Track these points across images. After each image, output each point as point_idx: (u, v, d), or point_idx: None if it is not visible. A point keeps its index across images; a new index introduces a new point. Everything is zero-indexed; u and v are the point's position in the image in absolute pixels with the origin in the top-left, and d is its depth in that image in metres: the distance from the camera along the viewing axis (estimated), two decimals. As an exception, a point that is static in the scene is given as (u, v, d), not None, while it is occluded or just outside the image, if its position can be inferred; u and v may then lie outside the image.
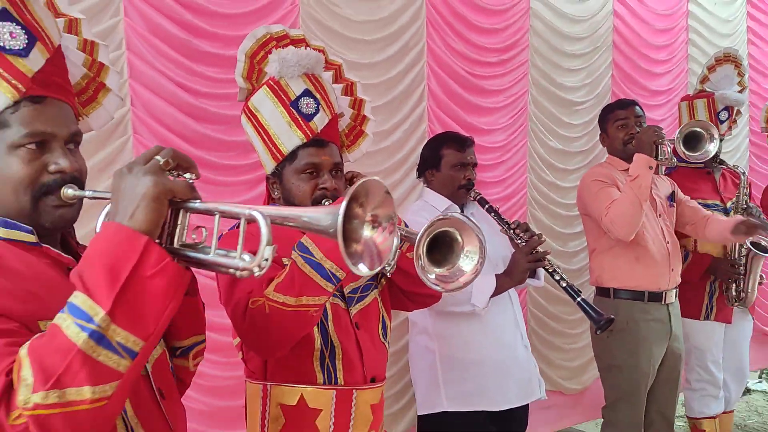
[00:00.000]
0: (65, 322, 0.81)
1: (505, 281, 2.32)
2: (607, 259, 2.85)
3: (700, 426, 3.36)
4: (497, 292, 2.31)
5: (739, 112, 3.48)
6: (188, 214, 0.94)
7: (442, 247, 1.09)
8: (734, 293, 3.14)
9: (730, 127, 3.43)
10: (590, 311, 2.28)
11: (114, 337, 0.81)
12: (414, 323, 2.43)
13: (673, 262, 2.84)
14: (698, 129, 2.69)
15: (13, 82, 1.00)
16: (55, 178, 1.00)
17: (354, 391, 1.53)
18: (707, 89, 3.24)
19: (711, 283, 3.20)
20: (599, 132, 3.23)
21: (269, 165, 1.62)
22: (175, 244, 0.93)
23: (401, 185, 2.95)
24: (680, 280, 2.92)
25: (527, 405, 2.50)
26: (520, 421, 2.50)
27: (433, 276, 1.09)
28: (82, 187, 1.03)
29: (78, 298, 0.82)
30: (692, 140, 2.70)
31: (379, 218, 0.93)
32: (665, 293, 2.81)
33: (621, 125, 2.86)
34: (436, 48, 3.04)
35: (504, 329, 2.42)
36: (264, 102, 1.60)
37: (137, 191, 0.88)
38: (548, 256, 2.34)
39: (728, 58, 3.27)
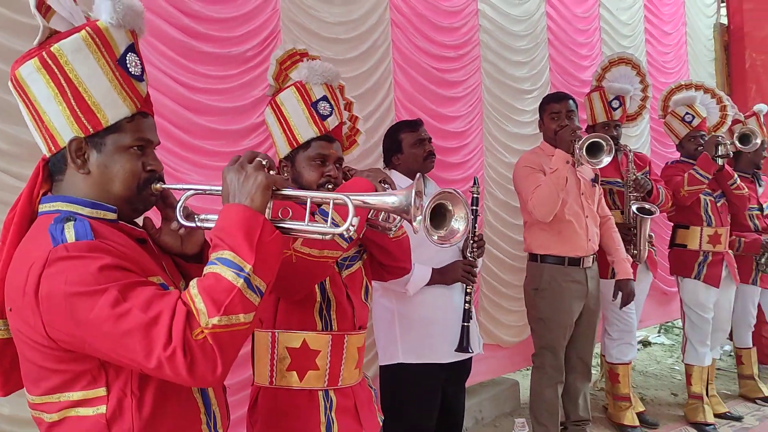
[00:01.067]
0: (223, 271, 1.12)
1: (437, 278, 2.63)
2: (536, 231, 3.28)
3: (615, 370, 3.88)
4: (429, 283, 2.62)
5: (645, 102, 4.05)
6: (273, 199, 1.26)
7: (438, 215, 1.41)
8: (632, 250, 3.66)
9: (631, 114, 3.98)
10: (462, 337, 2.60)
11: (254, 282, 1.14)
12: (377, 288, 2.64)
13: (590, 234, 3.29)
14: (599, 140, 3.04)
15: (134, 100, 1.27)
16: (150, 175, 1.29)
17: (345, 336, 1.86)
18: (603, 85, 3.75)
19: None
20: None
21: (284, 150, 1.97)
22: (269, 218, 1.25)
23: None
24: (596, 248, 3.34)
25: (470, 359, 2.79)
26: (466, 370, 2.83)
27: (435, 237, 1.39)
28: (164, 182, 1.33)
29: (227, 254, 1.13)
30: (594, 148, 3.04)
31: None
32: (583, 259, 3.27)
33: (554, 117, 3.26)
34: (401, 45, 3.34)
35: (453, 294, 2.70)
36: (290, 99, 1.94)
37: (254, 183, 1.20)
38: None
39: (623, 60, 3.79)
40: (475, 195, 2.69)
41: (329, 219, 1.27)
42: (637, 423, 3.87)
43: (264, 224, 1.18)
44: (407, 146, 2.75)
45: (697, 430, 3.94)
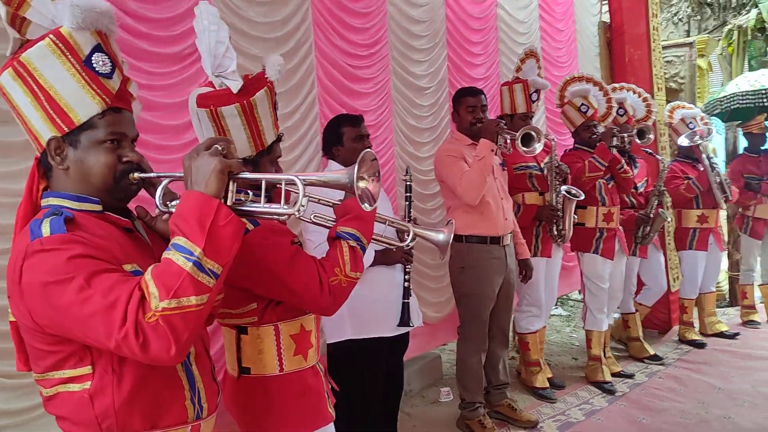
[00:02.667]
0: (175, 256, 1.19)
1: (380, 258, 2.86)
2: (459, 214, 3.53)
3: (524, 339, 4.28)
4: (372, 264, 2.84)
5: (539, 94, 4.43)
6: (235, 182, 1.33)
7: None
8: (555, 232, 4.08)
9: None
10: (404, 312, 2.88)
11: (206, 265, 1.20)
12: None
13: (506, 213, 3.63)
14: (531, 131, 3.45)
15: (103, 97, 1.35)
16: (126, 166, 1.38)
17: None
18: (520, 77, 4.08)
19: (536, 227, 4.08)
20: (445, 111, 3.97)
21: (245, 152, 1.82)
22: (229, 203, 1.31)
23: (301, 159, 3.41)
24: (512, 227, 3.72)
25: (408, 332, 3.07)
26: (406, 343, 3.11)
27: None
28: (143, 172, 1.41)
29: (180, 240, 1.20)
30: (527, 138, 3.44)
31: (369, 174, 1.46)
32: (502, 237, 3.59)
33: (470, 109, 3.55)
34: (322, 44, 3.49)
35: (394, 273, 2.95)
36: (262, 101, 1.81)
37: (208, 168, 1.26)
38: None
39: (531, 54, 4.15)
40: (408, 183, 2.93)
41: (282, 200, 1.37)
42: (547, 385, 4.27)
43: (218, 208, 1.24)
44: (348, 140, 2.88)
45: (597, 387, 4.40)
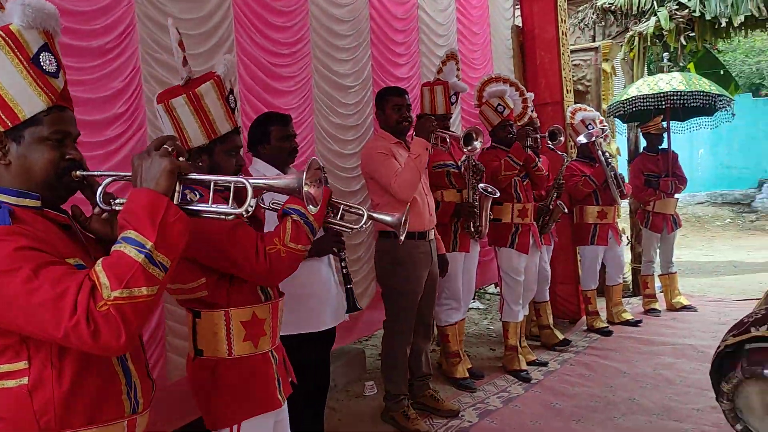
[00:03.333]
0: (126, 249, 1.24)
1: (312, 251, 2.74)
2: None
3: (445, 331, 4.41)
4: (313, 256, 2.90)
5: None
6: (181, 183, 1.39)
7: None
8: (472, 228, 4.24)
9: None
10: (349, 298, 2.98)
11: (157, 258, 1.25)
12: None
13: (430, 209, 3.76)
14: (471, 131, 3.60)
15: (49, 94, 1.38)
16: (69, 164, 1.41)
17: (279, 302, 2.14)
18: (441, 78, 4.21)
19: (455, 224, 4.22)
20: (369, 109, 4.03)
21: (199, 141, 1.99)
22: (175, 202, 1.36)
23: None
24: (435, 222, 3.86)
25: (334, 328, 3.13)
26: (333, 337, 3.17)
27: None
28: (85, 170, 1.44)
29: (131, 234, 1.26)
30: (467, 137, 3.59)
31: (313, 181, 1.58)
32: (427, 232, 3.72)
33: (396, 108, 3.64)
34: (243, 42, 3.46)
35: (321, 270, 3.01)
36: (209, 92, 1.97)
37: (159, 168, 1.33)
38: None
39: (452, 57, 4.28)
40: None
41: (230, 200, 1.46)
42: (467, 375, 4.43)
43: (168, 205, 1.31)
44: (275, 139, 2.89)
45: (514, 376, 4.60)
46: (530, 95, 4.95)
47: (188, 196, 1.53)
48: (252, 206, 1.46)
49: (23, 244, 1.24)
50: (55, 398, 1.29)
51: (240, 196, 1.48)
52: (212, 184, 1.47)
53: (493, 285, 6.62)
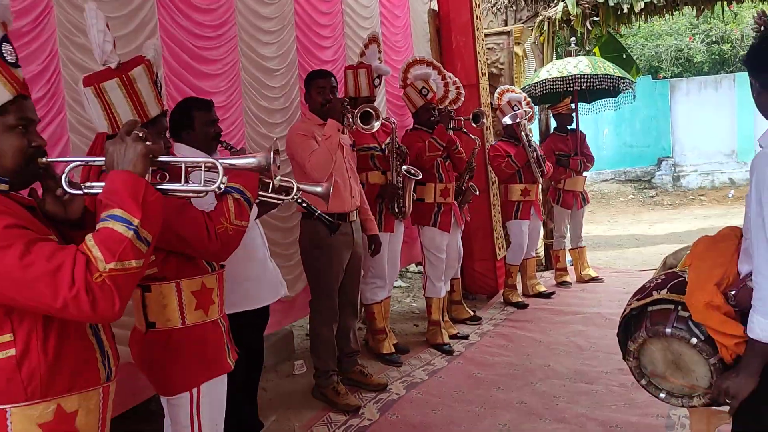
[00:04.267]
0: (115, 225, 1.35)
1: (262, 209, 2.96)
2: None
3: (371, 309, 4.53)
4: (258, 216, 2.99)
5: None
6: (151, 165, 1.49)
7: None
8: (396, 209, 4.36)
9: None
10: (325, 220, 3.07)
11: (142, 234, 1.38)
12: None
13: (353, 191, 3.84)
14: (369, 110, 3.67)
15: (14, 84, 1.43)
16: (35, 151, 1.48)
17: (222, 272, 2.28)
18: (364, 62, 4.30)
19: (379, 204, 4.34)
20: (296, 92, 4.06)
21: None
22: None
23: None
24: (358, 204, 3.95)
25: (268, 307, 3.19)
26: (266, 318, 3.26)
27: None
28: (47, 156, 1.52)
29: (117, 212, 1.37)
30: (365, 116, 3.67)
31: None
32: (348, 213, 3.80)
33: (320, 91, 3.69)
34: (167, 24, 3.38)
35: (257, 249, 3.07)
36: (141, 76, 2.00)
37: (135, 152, 1.44)
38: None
39: (374, 40, 4.36)
40: None
41: (202, 179, 1.57)
42: (393, 351, 4.59)
43: (146, 186, 1.43)
44: (200, 124, 2.87)
45: (437, 349, 4.79)
46: (455, 78, 5.10)
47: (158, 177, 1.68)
48: (224, 184, 1.57)
49: (10, 222, 1.32)
50: (41, 367, 1.38)
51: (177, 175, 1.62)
52: (183, 164, 1.59)
53: (414, 264, 6.80)
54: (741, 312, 1.83)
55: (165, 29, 3.42)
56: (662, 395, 2.07)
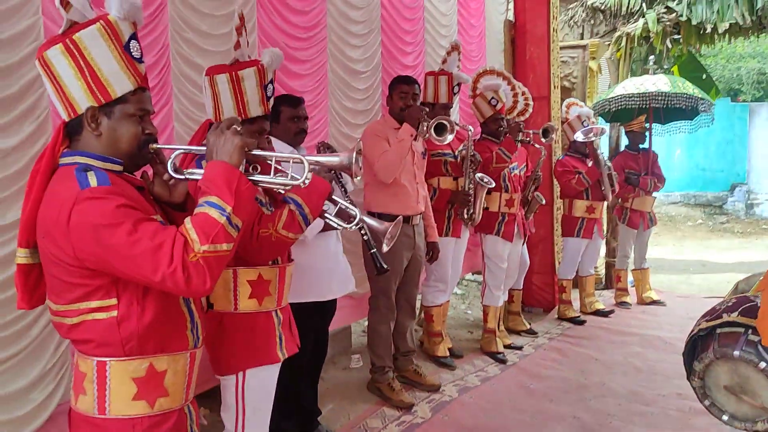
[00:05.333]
0: (210, 211, 1.46)
1: (328, 225, 3.09)
2: (375, 191, 3.81)
3: (430, 312, 4.59)
4: (322, 230, 3.07)
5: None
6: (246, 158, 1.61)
7: None
8: (466, 216, 4.39)
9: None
10: (377, 260, 3.06)
11: (234, 220, 1.48)
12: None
13: (419, 197, 3.92)
14: (444, 122, 3.70)
15: (136, 77, 1.59)
16: (147, 137, 1.63)
17: (286, 267, 2.37)
18: (445, 69, 4.29)
19: (449, 210, 4.39)
20: (378, 95, 4.14)
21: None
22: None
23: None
24: (423, 210, 3.99)
25: (336, 300, 3.34)
26: (333, 311, 3.39)
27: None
28: (157, 143, 1.66)
29: (213, 199, 1.48)
30: (440, 128, 3.70)
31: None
32: (412, 217, 3.88)
33: (402, 96, 3.80)
34: (264, 24, 3.54)
35: (330, 242, 3.22)
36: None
37: (232, 144, 1.56)
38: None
39: (455, 48, 4.39)
40: None
41: (289, 174, 1.67)
42: (447, 354, 4.64)
43: (240, 176, 1.54)
44: (285, 119, 3.04)
45: (491, 357, 4.82)
46: (525, 89, 5.12)
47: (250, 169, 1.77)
48: (309, 179, 1.66)
49: (123, 202, 1.45)
50: (138, 329, 1.53)
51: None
52: (273, 159, 1.70)
53: (471, 273, 6.80)
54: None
55: (262, 28, 3.57)
56: (725, 417, 2.06)
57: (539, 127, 5.05)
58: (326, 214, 2.27)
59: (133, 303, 1.51)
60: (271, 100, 2.28)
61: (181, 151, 1.78)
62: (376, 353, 3.94)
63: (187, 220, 1.47)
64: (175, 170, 1.67)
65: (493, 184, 4.44)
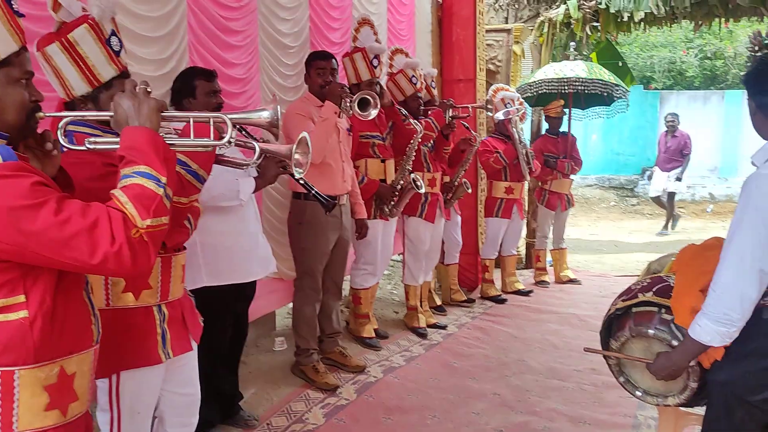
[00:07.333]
0: (146, 182, 1.36)
1: (260, 182, 3.03)
2: (305, 175, 3.77)
3: (358, 294, 4.59)
4: (255, 190, 3.04)
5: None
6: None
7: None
8: (387, 209, 4.36)
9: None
10: (322, 198, 3.17)
11: (168, 191, 1.41)
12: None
13: (345, 175, 3.87)
14: (368, 97, 3.66)
15: (20, 34, 1.38)
16: (34, 105, 1.44)
17: (172, 256, 2.11)
18: (358, 45, 4.19)
19: (375, 200, 4.34)
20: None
21: (81, 89, 1.86)
22: None
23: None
24: (349, 188, 3.97)
25: (255, 282, 3.25)
26: (252, 292, 3.30)
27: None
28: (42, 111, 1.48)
29: (145, 169, 1.38)
30: (363, 103, 3.64)
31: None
32: (339, 197, 3.82)
33: (320, 72, 3.72)
34: None
35: (248, 222, 3.12)
36: (85, 37, 1.82)
37: (149, 107, 1.46)
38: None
39: (365, 22, 4.25)
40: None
41: (211, 134, 1.58)
42: (373, 335, 4.66)
43: (164, 142, 1.44)
44: (201, 94, 2.88)
45: (413, 332, 4.93)
46: (432, 71, 5.17)
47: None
48: (233, 138, 1.58)
49: (37, 179, 1.29)
50: (53, 329, 1.37)
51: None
52: (191, 120, 1.60)
53: (397, 254, 6.83)
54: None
55: None
56: (638, 393, 2.15)
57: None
58: (224, 158, 2.06)
59: (45, 299, 1.34)
60: (122, 54, 1.95)
61: (72, 117, 1.60)
62: (300, 335, 3.90)
63: (120, 193, 1.35)
64: (67, 140, 1.54)
65: (423, 190, 4.49)
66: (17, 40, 1.37)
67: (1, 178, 1.25)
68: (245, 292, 3.21)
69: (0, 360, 1.33)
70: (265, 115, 1.65)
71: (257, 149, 1.91)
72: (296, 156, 1.93)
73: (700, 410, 2.14)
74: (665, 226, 10.44)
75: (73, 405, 1.45)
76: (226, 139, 1.57)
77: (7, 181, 1.25)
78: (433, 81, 5.19)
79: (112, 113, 1.51)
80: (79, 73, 1.85)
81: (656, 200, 10.71)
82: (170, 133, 1.74)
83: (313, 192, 3.18)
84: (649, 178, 11.41)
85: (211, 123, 1.60)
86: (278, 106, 1.64)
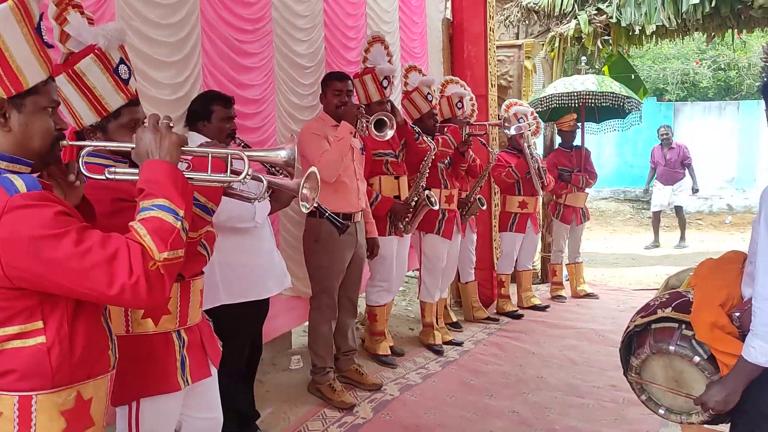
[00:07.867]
0: (164, 215, 1.39)
1: (275, 205, 3.10)
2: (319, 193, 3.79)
3: (373, 311, 4.58)
4: (270, 212, 3.10)
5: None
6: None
7: None
8: (401, 226, 4.36)
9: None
10: (335, 221, 3.21)
11: (185, 224, 1.43)
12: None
13: (360, 194, 3.89)
14: (384, 118, 3.68)
15: (48, 65, 1.42)
16: (59, 134, 1.48)
17: (191, 281, 2.11)
18: (368, 65, 4.20)
19: (390, 217, 4.33)
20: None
21: (90, 119, 1.89)
22: None
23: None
24: (364, 206, 3.97)
25: (268, 298, 3.26)
26: (266, 309, 3.31)
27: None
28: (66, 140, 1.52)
29: (164, 202, 1.40)
30: (379, 124, 3.67)
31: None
32: (354, 214, 3.85)
33: (336, 93, 3.76)
34: (209, 16, 3.41)
35: (264, 240, 3.16)
36: (91, 68, 1.85)
37: (169, 141, 1.49)
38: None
39: (377, 39, 4.27)
40: None
41: (228, 170, 1.59)
42: (389, 353, 4.63)
43: (182, 176, 1.47)
44: (216, 119, 2.93)
45: (429, 349, 4.89)
46: (463, 92, 5.17)
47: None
48: (250, 175, 1.59)
49: (60, 209, 1.31)
50: (71, 355, 1.39)
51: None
52: (210, 155, 1.61)
53: (411, 270, 6.82)
54: (744, 333, 1.88)
55: (207, 20, 3.43)
56: (661, 411, 2.11)
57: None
58: (232, 191, 2.05)
59: (63, 325, 1.37)
60: (131, 82, 1.96)
61: (92, 147, 1.62)
62: (316, 353, 3.89)
63: (139, 226, 1.37)
64: (88, 169, 1.55)
65: (437, 207, 4.49)
66: (45, 70, 1.41)
67: (25, 208, 1.28)
68: (260, 308, 3.23)
69: (18, 385, 1.35)
70: (282, 155, 1.66)
71: (264, 183, 1.95)
72: (304, 191, 1.92)
73: (725, 428, 2.10)
74: (681, 238, 10.32)
75: (90, 430, 1.46)
76: (242, 176, 1.59)
77: (31, 210, 1.28)
78: (460, 100, 5.14)
79: (133, 145, 1.55)
80: (87, 104, 1.88)
81: (656, 215, 10.49)
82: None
83: (327, 215, 3.20)
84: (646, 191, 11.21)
85: (229, 159, 1.61)
86: (296, 147, 1.66)
